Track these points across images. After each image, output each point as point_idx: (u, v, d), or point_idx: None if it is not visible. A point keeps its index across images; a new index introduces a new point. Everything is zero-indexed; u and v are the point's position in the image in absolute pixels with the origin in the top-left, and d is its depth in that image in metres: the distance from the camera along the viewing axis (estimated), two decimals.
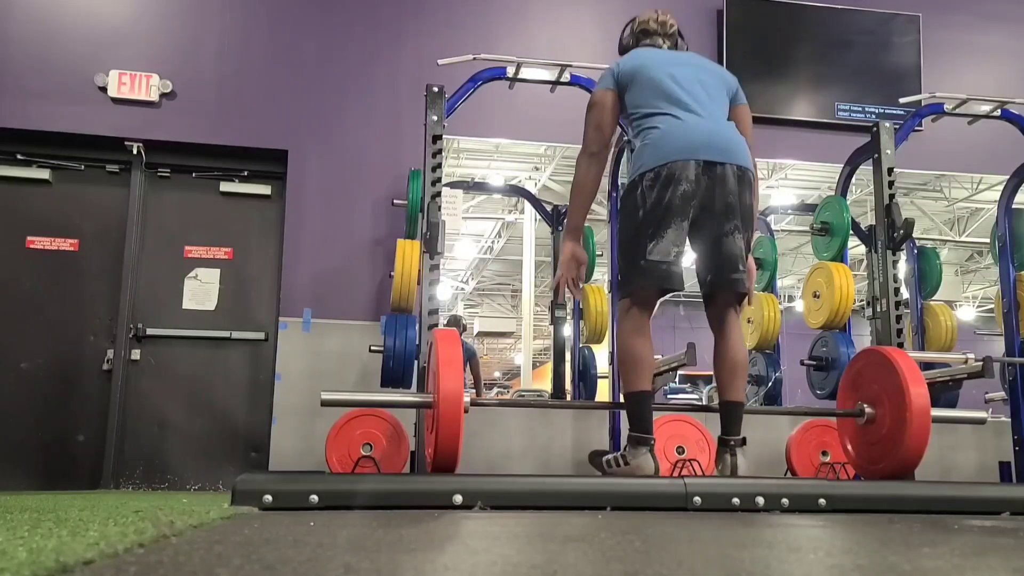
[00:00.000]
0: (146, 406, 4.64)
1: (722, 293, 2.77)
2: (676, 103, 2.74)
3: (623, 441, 2.79)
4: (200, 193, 4.92)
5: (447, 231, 3.67)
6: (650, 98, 2.77)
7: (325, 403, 2.66)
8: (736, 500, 2.21)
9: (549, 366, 6.06)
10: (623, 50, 3.07)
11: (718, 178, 2.66)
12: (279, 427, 4.46)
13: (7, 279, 4.65)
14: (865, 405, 2.95)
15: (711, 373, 2.90)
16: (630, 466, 2.66)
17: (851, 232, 4.27)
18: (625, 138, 3.14)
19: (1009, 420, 4.13)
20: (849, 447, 3.11)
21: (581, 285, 2.94)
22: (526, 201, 6.32)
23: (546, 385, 7.59)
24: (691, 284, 2.81)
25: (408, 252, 3.92)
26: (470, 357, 6.72)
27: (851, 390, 3.06)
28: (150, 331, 4.70)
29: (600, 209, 4.57)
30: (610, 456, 2.84)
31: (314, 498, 2.03)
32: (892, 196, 3.82)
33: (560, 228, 4.99)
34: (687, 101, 2.75)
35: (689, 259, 2.84)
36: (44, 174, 4.77)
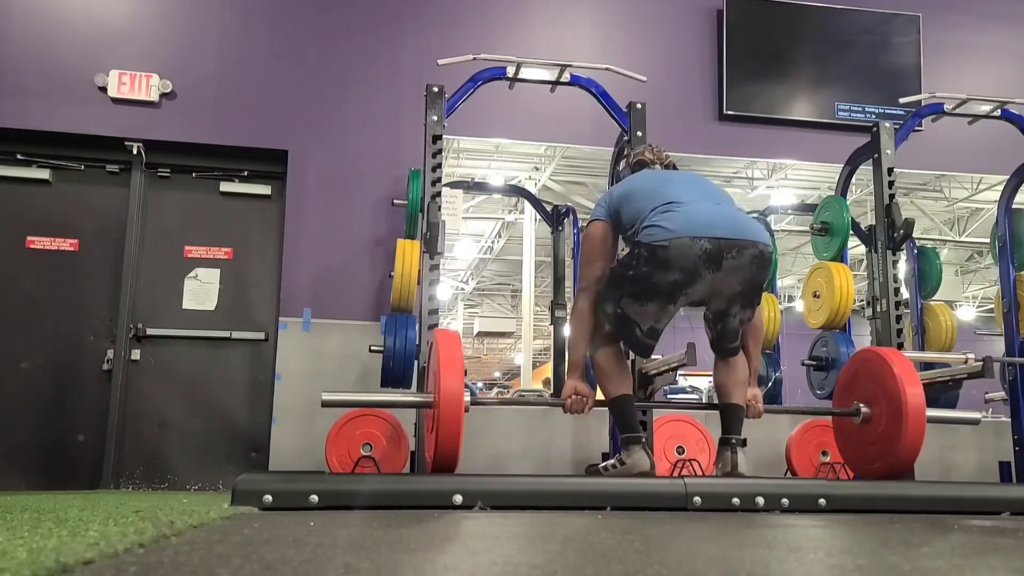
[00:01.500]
0: (146, 406, 4.64)
1: (719, 353, 2.86)
2: (676, 202, 2.65)
3: None
4: (200, 193, 4.91)
5: (447, 231, 3.67)
6: (647, 204, 2.69)
7: (326, 404, 2.67)
8: (736, 500, 2.21)
9: (549, 366, 6.05)
10: (618, 180, 3.10)
11: (728, 268, 2.55)
12: (279, 427, 4.46)
13: (7, 279, 4.65)
14: (861, 405, 2.96)
15: (710, 374, 2.92)
16: (626, 465, 2.71)
17: (851, 232, 4.27)
18: (625, 138, 3.15)
19: (1009, 420, 4.13)
20: (845, 447, 3.12)
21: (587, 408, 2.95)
22: (526, 201, 6.31)
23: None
24: None
25: (408, 252, 3.91)
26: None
27: (848, 390, 3.07)
28: (150, 331, 4.69)
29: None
30: (606, 463, 2.88)
31: (314, 498, 2.03)
32: (892, 196, 3.82)
33: (560, 228, 4.99)
34: (688, 198, 2.67)
35: None
36: (44, 174, 4.77)
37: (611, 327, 2.81)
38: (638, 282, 2.64)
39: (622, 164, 3.15)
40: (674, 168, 3.06)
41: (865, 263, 4.33)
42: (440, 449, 2.46)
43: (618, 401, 2.81)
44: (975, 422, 3.39)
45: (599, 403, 2.98)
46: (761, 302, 2.86)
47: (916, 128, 4.42)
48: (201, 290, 4.81)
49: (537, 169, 7.33)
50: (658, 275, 2.58)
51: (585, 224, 3.02)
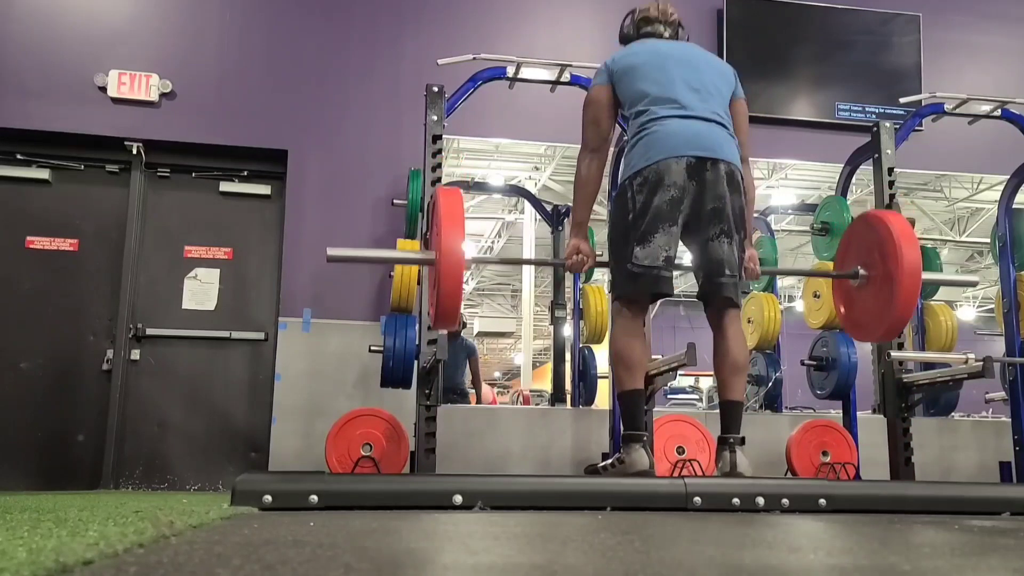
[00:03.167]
0: (146, 406, 4.64)
1: (712, 296, 2.79)
2: (669, 101, 2.74)
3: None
4: (200, 193, 4.91)
5: None
6: (642, 92, 2.77)
7: (331, 258, 2.61)
8: (736, 500, 2.21)
9: (549, 366, 6.06)
10: (624, 40, 3.07)
11: (707, 181, 2.66)
12: (279, 427, 4.46)
13: (7, 279, 4.64)
14: (860, 267, 2.95)
15: (711, 374, 2.91)
16: (625, 464, 2.69)
17: None
18: (625, 138, 3.14)
19: (1009, 420, 4.13)
20: (845, 313, 3.10)
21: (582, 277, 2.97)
22: (526, 201, 6.31)
23: (546, 385, 7.59)
24: (690, 284, 2.82)
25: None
26: (470, 354, 6.73)
27: (847, 254, 3.06)
28: (150, 331, 4.69)
29: (600, 209, 4.57)
30: (605, 463, 2.87)
31: (314, 498, 2.03)
32: (892, 196, 3.82)
33: (560, 228, 4.99)
34: (680, 100, 2.75)
35: (687, 258, 2.85)
36: (44, 174, 4.77)
37: (629, 293, 2.78)
38: (640, 217, 2.67)
39: (627, 21, 3.09)
40: (680, 28, 3.07)
41: None
42: (441, 304, 2.45)
43: (631, 395, 2.77)
44: (973, 284, 3.42)
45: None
46: (745, 243, 2.81)
47: (916, 128, 4.41)
48: (201, 290, 4.81)
49: (537, 169, 7.33)
50: (657, 196, 2.65)
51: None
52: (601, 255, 4.36)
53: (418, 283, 3.72)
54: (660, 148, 2.68)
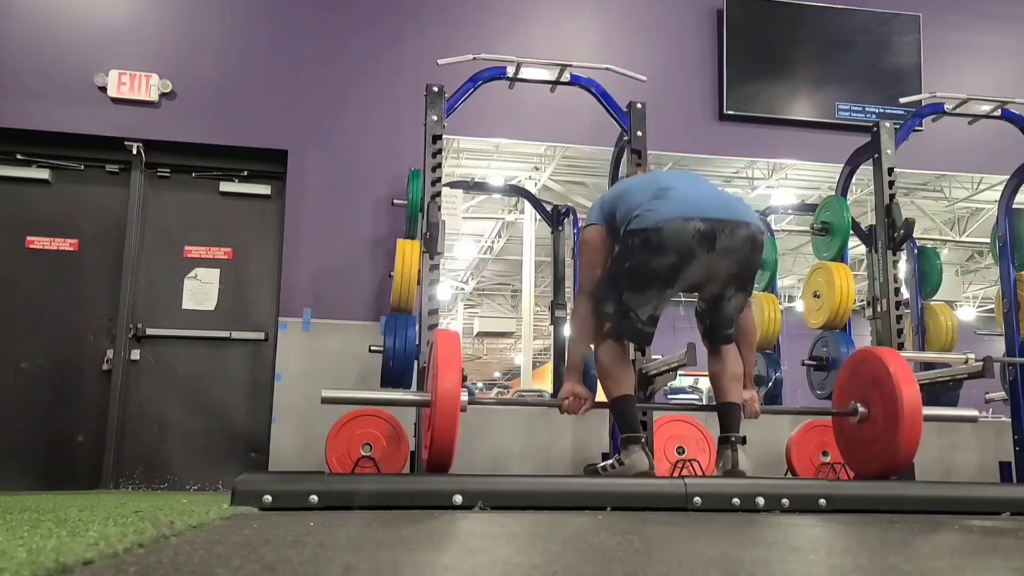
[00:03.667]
0: (146, 406, 4.64)
1: (713, 339, 2.88)
2: (667, 188, 2.73)
3: None
4: (200, 193, 4.91)
5: (447, 231, 3.66)
6: (640, 196, 2.75)
7: (325, 400, 2.68)
8: (736, 500, 2.21)
9: (549, 366, 6.05)
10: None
11: (721, 247, 2.59)
12: (279, 427, 4.46)
13: (7, 279, 4.64)
14: (859, 404, 2.96)
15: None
16: (625, 465, 2.72)
17: (851, 232, 4.27)
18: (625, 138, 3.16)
19: (1009, 420, 4.13)
20: (845, 446, 3.13)
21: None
22: (526, 201, 6.31)
23: (546, 385, 7.59)
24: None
25: (408, 252, 3.91)
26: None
27: (846, 390, 3.08)
28: (150, 331, 4.69)
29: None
30: (604, 463, 2.89)
31: (314, 498, 2.03)
32: (892, 196, 3.82)
33: (560, 228, 4.99)
34: (680, 184, 2.77)
35: None
36: (44, 174, 4.77)
37: (612, 324, 2.83)
38: (635, 273, 2.68)
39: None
40: None
41: (865, 263, 4.33)
42: (435, 447, 2.47)
43: (619, 401, 2.83)
44: (973, 419, 3.38)
45: (598, 404, 2.99)
46: (752, 291, 2.90)
47: (916, 128, 4.41)
48: (201, 290, 4.81)
49: (537, 169, 7.33)
50: (655, 260, 2.62)
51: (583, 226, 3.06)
52: None
53: (418, 283, 3.72)
54: (668, 209, 2.61)
